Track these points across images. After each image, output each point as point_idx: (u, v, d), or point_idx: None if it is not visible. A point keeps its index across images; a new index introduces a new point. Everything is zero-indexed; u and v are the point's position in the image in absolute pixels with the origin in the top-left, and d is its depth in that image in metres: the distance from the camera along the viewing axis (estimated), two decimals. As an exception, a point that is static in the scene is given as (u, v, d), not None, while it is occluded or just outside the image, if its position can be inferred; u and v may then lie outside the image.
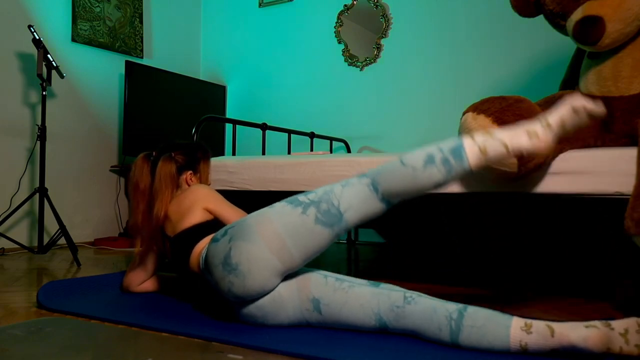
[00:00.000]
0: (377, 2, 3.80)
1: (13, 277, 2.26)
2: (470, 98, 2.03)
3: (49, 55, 2.96)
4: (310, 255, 1.43)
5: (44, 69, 2.99)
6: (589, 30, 1.73)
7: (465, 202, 1.89)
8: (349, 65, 3.92)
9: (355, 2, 3.90)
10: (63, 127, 3.47)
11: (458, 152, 1.34)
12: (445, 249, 3.43)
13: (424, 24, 3.64)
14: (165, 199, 1.73)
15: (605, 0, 1.74)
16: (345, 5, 3.93)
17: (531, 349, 1.18)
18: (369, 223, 2.36)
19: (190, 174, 1.85)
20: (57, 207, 3.07)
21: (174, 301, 1.75)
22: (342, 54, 3.94)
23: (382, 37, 3.79)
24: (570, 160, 1.67)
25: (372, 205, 1.40)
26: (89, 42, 3.64)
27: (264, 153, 3.31)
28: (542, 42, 3.20)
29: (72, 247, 2.79)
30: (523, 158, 1.54)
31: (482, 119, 1.57)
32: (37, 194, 2.96)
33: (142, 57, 4.01)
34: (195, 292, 1.79)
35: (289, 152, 3.54)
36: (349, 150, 3.86)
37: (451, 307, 1.28)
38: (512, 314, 1.26)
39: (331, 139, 3.73)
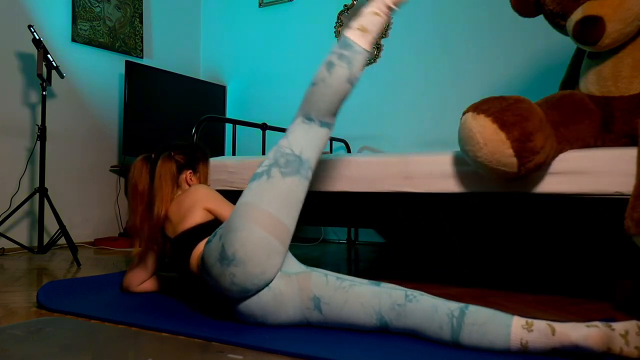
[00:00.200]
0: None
1: (13, 277, 2.26)
2: (470, 98, 2.03)
3: (49, 55, 2.96)
4: (295, 211, 1.49)
5: (44, 69, 2.99)
6: (589, 30, 1.73)
7: (465, 202, 1.89)
8: (349, 65, 3.91)
9: (355, 2, 3.90)
10: (63, 127, 3.47)
11: (345, 43, 1.53)
12: (445, 249, 3.43)
13: (424, 24, 3.64)
14: (165, 197, 1.73)
15: (605, 0, 1.74)
16: (345, 5, 3.93)
17: (532, 347, 1.18)
18: (369, 223, 2.37)
19: (190, 173, 1.85)
20: (57, 207, 3.07)
21: (174, 301, 1.75)
22: (342, 54, 3.93)
23: (382, 37, 3.79)
24: (570, 160, 1.67)
25: (318, 133, 1.53)
26: (89, 42, 3.64)
27: (264, 153, 3.31)
28: (542, 42, 3.20)
29: (72, 247, 2.79)
30: (523, 157, 1.54)
31: (482, 119, 1.57)
32: (37, 194, 2.96)
33: (142, 57, 4.01)
34: (195, 292, 1.79)
35: (289, 152, 3.53)
36: (349, 150, 3.86)
37: (453, 306, 1.29)
38: (513, 314, 1.26)
39: (331, 139, 3.73)
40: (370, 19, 1.56)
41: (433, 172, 1.86)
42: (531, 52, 3.27)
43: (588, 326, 1.16)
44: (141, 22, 4.03)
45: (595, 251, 2.20)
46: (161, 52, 4.21)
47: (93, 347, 1.27)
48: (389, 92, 3.76)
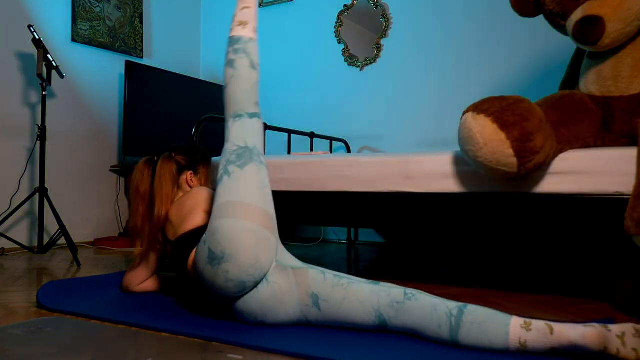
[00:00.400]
0: (377, 2, 3.80)
1: (13, 277, 2.26)
2: (470, 98, 2.03)
3: (49, 55, 2.96)
4: (266, 195, 1.54)
5: (44, 69, 2.99)
6: (589, 30, 1.73)
7: (465, 202, 1.89)
8: (349, 65, 3.92)
9: (355, 2, 3.90)
10: (63, 127, 3.47)
11: (233, 40, 1.69)
12: (445, 249, 3.43)
13: (424, 24, 3.64)
14: (165, 197, 1.73)
15: (605, 0, 1.74)
16: (345, 5, 3.93)
17: (530, 346, 1.18)
18: (369, 223, 2.37)
19: (191, 174, 1.86)
20: (57, 207, 3.07)
21: (174, 301, 1.75)
22: (342, 54, 3.94)
23: (382, 37, 3.79)
24: (570, 160, 1.67)
25: (251, 124, 1.61)
26: (89, 42, 3.64)
27: (264, 153, 3.30)
28: (542, 42, 3.20)
29: (72, 247, 2.79)
30: (523, 157, 1.54)
31: (482, 119, 1.57)
32: (37, 194, 2.96)
33: (142, 57, 4.01)
34: (194, 293, 1.79)
35: (289, 152, 3.54)
36: (349, 150, 3.86)
37: (451, 305, 1.29)
38: (512, 314, 1.26)
39: (331, 139, 3.73)
40: (244, 13, 1.76)
41: (433, 172, 1.86)
42: (531, 52, 3.28)
43: (585, 326, 1.17)
44: (141, 22, 4.03)
45: (595, 251, 2.20)
46: (161, 52, 4.21)
47: (93, 347, 1.27)
48: (389, 92, 3.76)
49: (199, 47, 4.61)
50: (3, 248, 3.01)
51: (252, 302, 1.42)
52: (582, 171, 1.64)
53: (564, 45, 2.66)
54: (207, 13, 4.61)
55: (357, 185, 2.00)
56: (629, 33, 1.76)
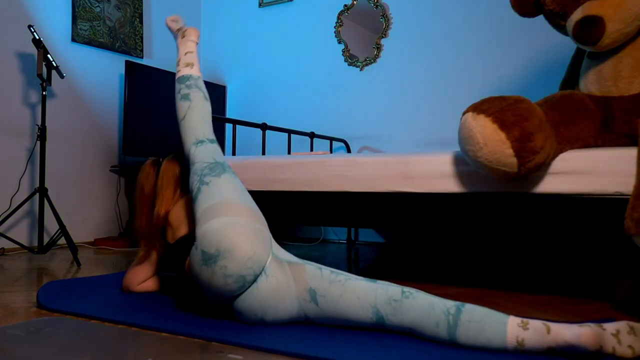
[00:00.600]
0: (377, 2, 3.80)
1: (13, 277, 2.26)
2: (470, 98, 2.03)
3: (49, 55, 2.96)
4: (247, 195, 1.61)
5: (44, 69, 2.99)
6: (589, 30, 1.73)
7: (465, 202, 1.89)
8: (349, 65, 3.92)
9: (355, 2, 3.90)
10: (63, 127, 3.47)
11: (184, 79, 1.86)
12: (445, 249, 3.43)
13: (424, 24, 3.64)
14: (166, 198, 1.74)
15: (605, 0, 1.74)
16: (345, 5, 3.93)
17: (528, 345, 1.18)
18: (369, 223, 2.37)
19: None
20: (57, 207, 3.07)
21: (174, 301, 1.75)
22: (342, 54, 3.94)
23: (382, 37, 3.79)
24: (570, 160, 1.67)
25: (213, 148, 1.71)
26: (89, 42, 3.64)
27: (264, 153, 3.31)
28: (542, 42, 3.20)
29: (72, 247, 2.79)
30: (523, 157, 1.54)
31: (482, 119, 1.57)
32: (37, 194, 2.96)
33: (142, 57, 4.02)
34: (194, 294, 1.79)
35: (289, 152, 3.54)
36: (349, 150, 3.86)
37: (449, 303, 1.29)
38: (511, 314, 1.26)
39: (331, 139, 3.73)
40: (188, 57, 1.93)
41: (433, 172, 1.86)
42: (531, 52, 3.28)
43: (581, 326, 1.17)
44: (141, 22, 4.03)
45: (595, 251, 2.20)
46: (161, 52, 4.21)
47: (93, 347, 1.27)
48: (389, 92, 3.76)
49: (199, 47, 4.60)
50: (3, 248, 3.01)
51: (252, 298, 1.42)
52: (582, 171, 1.64)
53: (564, 45, 2.67)
54: (207, 13, 4.61)
55: (357, 185, 2.00)
56: (629, 33, 1.76)
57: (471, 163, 1.68)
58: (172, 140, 3.76)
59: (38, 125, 3.00)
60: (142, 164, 3.73)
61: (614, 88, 1.83)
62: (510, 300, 1.86)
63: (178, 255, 1.65)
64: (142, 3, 4.04)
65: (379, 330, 1.39)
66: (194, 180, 1.61)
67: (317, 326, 1.44)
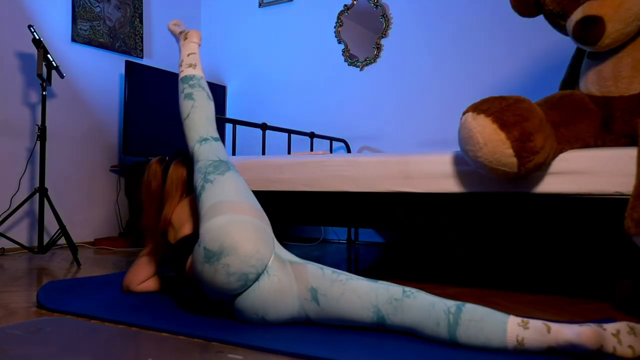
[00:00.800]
0: (377, 2, 3.80)
1: (13, 277, 2.26)
2: (470, 98, 2.03)
3: (49, 55, 2.96)
4: (250, 193, 1.61)
5: (44, 69, 2.99)
6: (589, 30, 1.73)
7: (465, 202, 1.89)
8: (349, 65, 3.92)
9: (355, 2, 3.90)
10: (63, 127, 3.47)
11: (187, 79, 1.88)
12: (445, 249, 3.43)
13: (424, 24, 3.64)
14: (174, 203, 1.76)
15: (605, 0, 1.74)
16: (345, 5, 3.93)
17: (528, 344, 1.18)
18: (369, 223, 2.37)
19: None
20: (57, 207, 3.07)
21: (174, 301, 1.75)
22: (342, 54, 3.94)
23: (382, 37, 3.79)
24: (570, 160, 1.67)
25: (217, 146, 1.73)
26: (89, 42, 3.64)
27: (264, 153, 3.31)
28: (542, 42, 3.20)
29: (72, 247, 2.79)
30: (523, 157, 1.54)
31: (482, 119, 1.57)
32: (37, 194, 2.96)
33: (142, 57, 4.02)
34: (194, 294, 1.80)
35: (289, 152, 3.54)
36: (349, 150, 3.86)
37: (450, 303, 1.30)
38: (511, 314, 1.26)
39: (331, 139, 3.73)
40: (191, 58, 1.94)
41: (433, 172, 1.86)
42: (531, 52, 3.28)
43: (581, 325, 1.17)
44: (141, 22, 4.03)
45: (595, 251, 2.20)
46: (161, 52, 4.21)
47: (93, 347, 1.27)
48: (389, 92, 3.76)
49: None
50: (3, 248, 3.01)
51: (253, 297, 1.42)
52: (582, 171, 1.64)
53: (564, 45, 2.67)
54: (207, 13, 4.61)
55: (357, 185, 2.00)
56: (629, 33, 1.76)
57: (471, 163, 1.68)
58: (172, 140, 3.77)
59: (38, 125, 3.00)
60: (142, 164, 3.74)
61: (614, 88, 1.83)
62: (510, 300, 1.86)
63: (179, 255, 1.65)
64: (142, 3, 4.04)
65: (379, 331, 1.39)
66: (198, 178, 1.62)
67: (318, 326, 1.44)
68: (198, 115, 1.79)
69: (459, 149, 1.79)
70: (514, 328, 1.20)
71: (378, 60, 3.81)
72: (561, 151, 1.69)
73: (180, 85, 1.88)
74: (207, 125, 1.78)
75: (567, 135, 1.71)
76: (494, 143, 1.55)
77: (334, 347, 1.27)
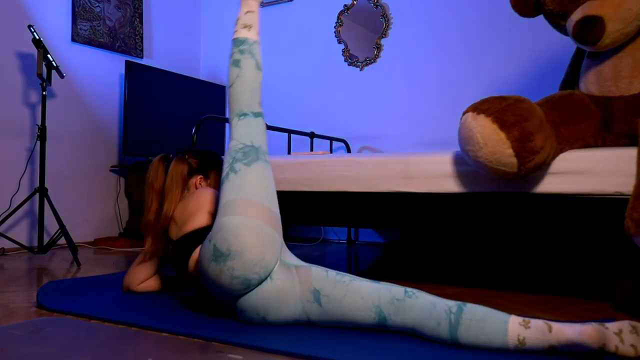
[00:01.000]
0: (377, 2, 3.80)
1: (13, 277, 2.26)
2: (470, 98, 2.03)
3: (49, 55, 2.96)
4: (272, 194, 1.55)
5: (44, 69, 2.99)
6: (589, 30, 1.73)
7: (465, 202, 1.89)
8: (349, 65, 3.92)
9: (355, 2, 3.90)
10: (63, 127, 3.47)
11: (239, 42, 1.71)
12: (445, 249, 3.43)
13: (424, 24, 3.64)
14: (174, 199, 1.75)
15: (605, 0, 1.74)
16: (345, 5, 3.93)
17: (529, 343, 1.18)
18: (369, 223, 2.37)
19: (201, 178, 1.86)
20: (57, 207, 3.08)
21: (174, 301, 1.75)
22: (342, 54, 3.94)
23: (382, 37, 3.79)
24: (570, 160, 1.67)
25: (256, 123, 1.64)
26: (89, 42, 3.64)
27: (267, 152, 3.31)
28: (542, 42, 3.20)
29: (72, 247, 2.79)
30: (523, 157, 1.55)
31: (482, 119, 1.57)
32: (37, 194, 2.96)
33: (142, 57, 4.02)
34: (194, 293, 1.80)
35: (289, 152, 3.54)
36: (349, 150, 3.86)
37: (451, 303, 1.30)
38: (511, 314, 1.26)
39: (331, 139, 3.73)
40: (248, 17, 1.76)
41: (433, 172, 1.86)
42: (531, 52, 3.28)
43: (583, 324, 1.17)
44: (141, 22, 4.03)
45: (595, 251, 2.20)
46: (161, 52, 4.21)
47: (93, 347, 1.27)
48: (389, 92, 3.76)
49: (199, 47, 4.61)
50: (3, 248, 3.01)
51: (255, 297, 1.42)
52: (582, 171, 1.64)
53: (564, 45, 2.67)
54: (207, 13, 4.61)
55: (357, 185, 2.00)
56: (629, 33, 1.76)
57: (471, 163, 1.68)
58: (173, 140, 3.77)
59: (38, 125, 3.00)
60: (142, 164, 3.74)
61: (614, 88, 1.83)
62: (511, 300, 1.86)
63: (181, 252, 1.64)
64: (142, 3, 4.04)
65: (379, 331, 1.39)
66: (226, 162, 1.58)
67: (318, 326, 1.44)
68: (241, 85, 1.67)
69: (459, 149, 1.79)
70: (515, 328, 1.20)
71: (378, 60, 3.81)
72: (561, 151, 1.69)
73: (231, 48, 1.73)
74: (249, 98, 1.66)
75: (567, 135, 1.71)
76: (494, 143, 1.55)
77: (334, 347, 1.27)
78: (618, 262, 1.74)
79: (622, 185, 1.58)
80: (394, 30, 3.77)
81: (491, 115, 1.56)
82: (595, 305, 1.80)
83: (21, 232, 3.20)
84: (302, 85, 4.11)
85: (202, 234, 1.61)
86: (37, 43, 2.92)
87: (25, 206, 3.14)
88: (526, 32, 3.25)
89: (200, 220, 1.65)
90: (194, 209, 1.69)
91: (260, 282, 1.42)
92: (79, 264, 2.61)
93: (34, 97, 3.30)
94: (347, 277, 1.42)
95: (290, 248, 1.55)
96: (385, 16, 3.77)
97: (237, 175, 1.52)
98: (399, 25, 3.75)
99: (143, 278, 1.86)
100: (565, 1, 1.87)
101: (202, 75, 4.54)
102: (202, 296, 1.67)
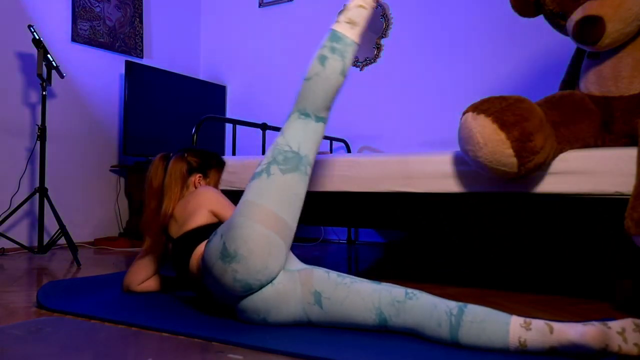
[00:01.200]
0: (377, 2, 3.79)
1: (13, 277, 2.26)
2: (470, 98, 2.03)
3: (49, 55, 2.96)
4: (296, 208, 1.49)
5: (44, 69, 2.99)
6: (589, 30, 1.73)
7: (465, 202, 1.89)
8: (349, 65, 3.91)
9: (355, 2, 3.89)
10: (63, 127, 3.47)
11: (336, 36, 1.60)
12: (445, 249, 3.43)
13: (424, 24, 3.64)
14: (173, 197, 1.74)
15: (605, 0, 1.74)
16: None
17: (530, 345, 1.18)
18: (369, 223, 2.37)
19: (200, 177, 1.86)
20: (57, 207, 3.07)
21: (174, 301, 1.75)
22: (342, 54, 3.93)
23: (382, 37, 3.79)
24: (570, 160, 1.67)
25: (315, 128, 1.55)
26: (89, 42, 3.64)
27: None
28: (542, 42, 3.20)
29: (72, 247, 2.79)
30: (523, 157, 1.54)
31: (482, 119, 1.57)
32: (37, 194, 2.96)
33: (142, 57, 4.02)
34: (195, 292, 1.80)
35: (289, 152, 3.53)
36: (349, 150, 3.86)
37: (452, 304, 1.29)
38: (513, 314, 1.26)
39: (331, 139, 3.73)
40: (357, 12, 1.62)
41: (433, 172, 1.86)
42: (531, 52, 3.28)
43: (585, 325, 1.16)
44: (141, 22, 4.03)
45: (595, 251, 2.20)
46: (161, 52, 4.21)
47: (93, 347, 1.27)
48: (389, 92, 3.76)
49: (199, 47, 4.61)
50: (3, 248, 3.01)
51: (256, 299, 1.42)
52: (582, 171, 1.64)
53: (564, 45, 2.67)
54: (207, 13, 4.61)
55: (357, 185, 2.00)
56: (629, 33, 1.76)
57: (471, 163, 1.68)
58: (173, 140, 3.77)
59: (38, 125, 3.00)
60: (142, 164, 3.74)
61: (614, 88, 1.83)
62: (511, 300, 1.86)
63: (182, 250, 1.64)
64: (142, 3, 4.04)
65: (380, 332, 1.39)
66: (266, 157, 1.51)
67: (318, 327, 1.44)
68: (317, 85, 1.56)
69: (459, 149, 1.79)
70: (517, 330, 1.19)
71: (378, 60, 3.81)
72: (561, 151, 1.69)
73: (325, 38, 1.60)
74: (319, 101, 1.56)
75: (567, 135, 1.71)
76: (494, 143, 1.55)
77: (334, 347, 1.27)
78: (618, 262, 1.74)
79: (622, 185, 1.58)
80: (394, 30, 3.77)
81: (491, 115, 1.56)
82: (595, 305, 1.80)
83: (21, 232, 3.20)
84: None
85: (203, 231, 1.61)
86: (37, 43, 2.92)
87: (25, 206, 3.14)
88: (526, 32, 3.25)
89: (201, 218, 1.65)
90: (195, 207, 1.69)
91: (262, 287, 1.42)
92: (79, 264, 2.61)
93: (34, 97, 3.30)
94: (349, 279, 1.42)
95: (291, 248, 1.55)
96: (385, 16, 3.77)
97: (269, 179, 1.47)
98: (399, 25, 3.75)
99: (143, 278, 1.86)
100: (565, 1, 1.87)
101: (202, 75, 4.54)
102: (202, 296, 1.67)
